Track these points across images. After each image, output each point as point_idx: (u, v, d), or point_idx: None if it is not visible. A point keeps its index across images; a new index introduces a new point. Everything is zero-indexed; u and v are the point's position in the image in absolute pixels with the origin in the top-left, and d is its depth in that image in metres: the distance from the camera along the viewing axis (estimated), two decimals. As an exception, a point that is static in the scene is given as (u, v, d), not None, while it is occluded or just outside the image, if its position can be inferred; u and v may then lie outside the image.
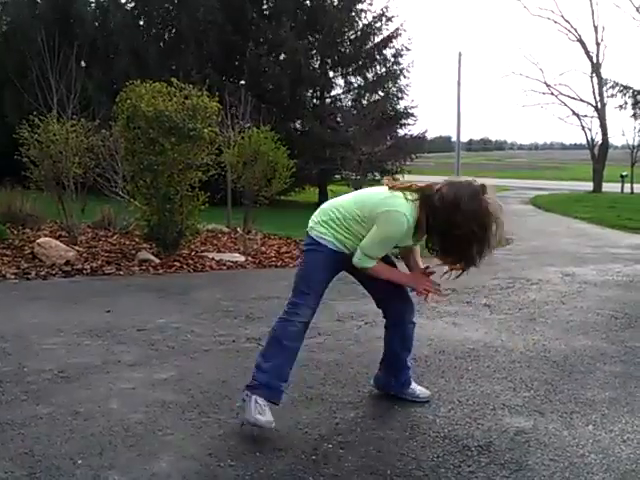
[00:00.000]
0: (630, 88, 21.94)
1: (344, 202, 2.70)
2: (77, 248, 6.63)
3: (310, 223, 2.75)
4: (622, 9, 36.79)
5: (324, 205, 2.80)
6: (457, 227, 2.40)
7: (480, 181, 2.53)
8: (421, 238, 2.62)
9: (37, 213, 8.03)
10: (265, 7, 18.30)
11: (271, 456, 2.35)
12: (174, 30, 18.55)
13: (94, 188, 7.95)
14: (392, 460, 2.34)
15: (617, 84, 22.83)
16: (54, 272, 5.79)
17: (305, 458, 2.34)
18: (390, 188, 2.57)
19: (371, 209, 2.56)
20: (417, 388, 2.96)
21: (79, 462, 2.26)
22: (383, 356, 2.96)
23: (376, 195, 2.62)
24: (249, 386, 2.58)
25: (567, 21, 27.62)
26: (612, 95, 23.43)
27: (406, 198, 2.50)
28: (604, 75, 23.55)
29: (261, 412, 2.50)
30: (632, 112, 22.75)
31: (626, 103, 23.57)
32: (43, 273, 5.73)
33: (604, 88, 24.58)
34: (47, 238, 6.58)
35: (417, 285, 2.69)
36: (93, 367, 3.26)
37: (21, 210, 7.92)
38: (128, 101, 6.35)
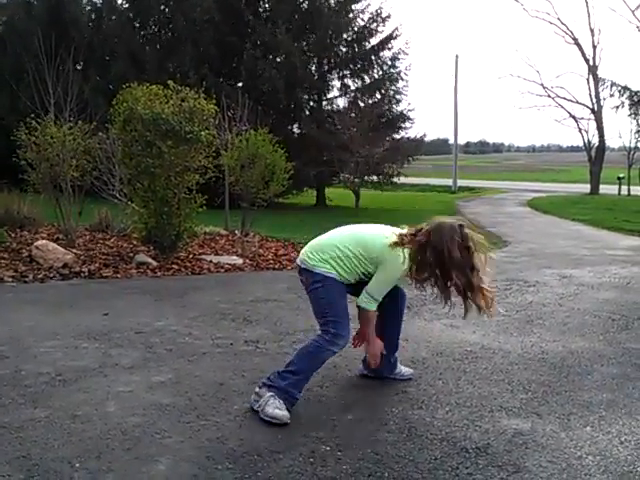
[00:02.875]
0: (628, 89, 21.99)
1: (343, 240, 2.92)
2: (75, 251, 6.62)
3: (309, 261, 2.91)
4: (618, 12, 36.85)
5: (320, 242, 2.98)
6: (444, 262, 2.74)
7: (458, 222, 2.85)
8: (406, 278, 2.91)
9: (34, 216, 8.02)
10: (261, 9, 18.32)
11: (269, 459, 2.34)
12: (170, 32, 18.56)
13: (91, 191, 7.95)
14: (390, 462, 2.34)
15: (614, 84, 22.88)
16: (51, 275, 5.78)
17: (303, 460, 2.34)
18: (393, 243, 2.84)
19: (377, 255, 2.85)
20: (402, 368, 3.28)
21: (77, 465, 2.26)
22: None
23: (378, 239, 2.89)
24: (267, 385, 2.78)
25: (564, 23, 27.84)
26: (611, 95, 23.47)
27: (403, 243, 2.82)
28: (601, 76, 23.59)
29: (279, 407, 2.69)
30: (629, 112, 22.79)
31: (623, 104, 23.61)
32: (40, 276, 5.72)
33: (601, 88, 24.64)
34: (44, 241, 6.57)
35: (373, 350, 3.05)
36: (90, 370, 3.26)
37: (18, 213, 7.91)
38: (124, 104, 6.35)
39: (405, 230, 2.91)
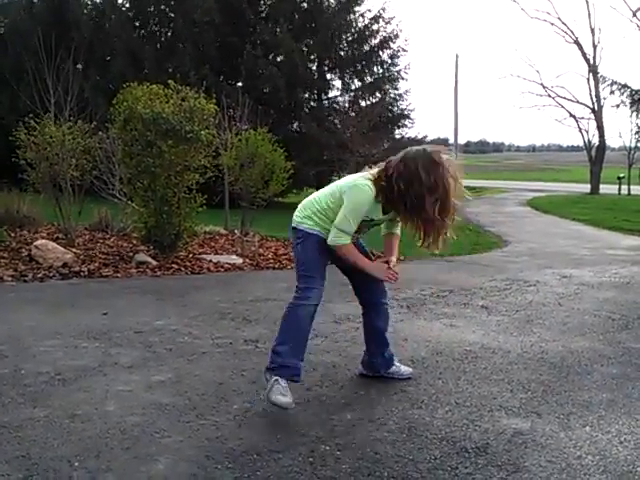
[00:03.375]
0: (628, 87, 21.98)
1: (320, 195, 3.00)
2: (74, 250, 6.62)
3: (296, 219, 3.01)
4: (618, 11, 36.81)
5: (304, 202, 3.06)
6: (413, 186, 2.67)
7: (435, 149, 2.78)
8: (391, 210, 2.89)
9: (34, 215, 8.02)
10: (262, 9, 18.32)
11: (268, 458, 2.34)
12: (171, 31, 18.56)
13: (91, 190, 7.95)
14: (389, 462, 2.33)
15: (615, 82, 22.86)
16: (51, 274, 5.78)
17: (302, 460, 2.34)
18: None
19: (340, 192, 2.87)
20: (401, 367, 3.27)
21: (76, 465, 2.26)
22: (366, 341, 3.23)
23: (342, 181, 2.97)
24: (269, 368, 2.84)
25: (564, 23, 27.83)
26: (611, 92, 23.44)
27: (366, 177, 2.82)
28: (602, 74, 23.57)
29: (283, 393, 2.72)
30: (630, 111, 22.77)
31: (623, 102, 23.59)
32: (40, 275, 5.72)
33: (602, 86, 24.62)
34: (44, 240, 6.57)
35: (380, 274, 2.96)
36: (90, 369, 3.26)
37: (18, 212, 7.91)
38: (125, 103, 6.35)
39: (373, 170, 2.85)
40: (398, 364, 3.27)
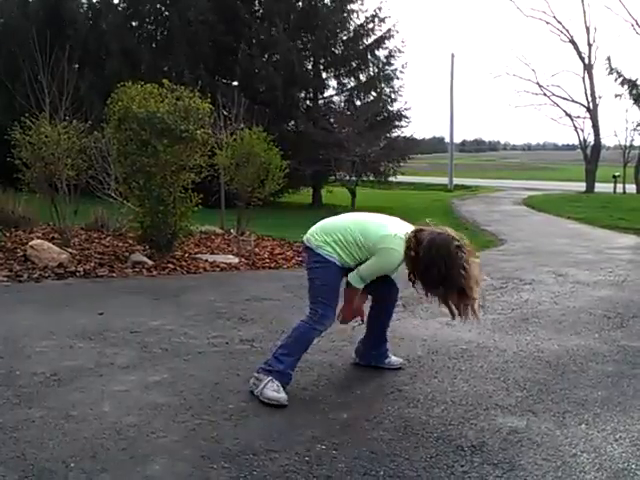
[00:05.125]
0: (632, 81, 22.03)
1: (347, 226, 3.02)
2: (70, 250, 6.60)
3: (313, 241, 3.04)
4: (613, 11, 36.88)
5: (326, 224, 3.11)
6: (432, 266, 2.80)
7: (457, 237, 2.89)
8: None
9: (29, 215, 7.99)
10: (257, 8, 18.30)
11: (264, 457, 2.34)
12: (166, 31, 18.52)
13: (87, 190, 7.92)
14: (385, 461, 2.34)
15: (620, 74, 22.88)
16: (47, 274, 5.76)
17: (298, 459, 2.34)
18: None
19: (374, 242, 2.93)
20: (392, 358, 3.40)
21: (72, 465, 2.26)
22: (367, 332, 3.36)
23: (379, 228, 2.98)
24: (265, 370, 2.94)
25: (559, 22, 27.72)
26: (616, 80, 23.40)
27: (403, 238, 2.90)
28: (602, 70, 23.61)
29: (277, 390, 2.86)
30: (633, 103, 22.77)
31: (623, 94, 23.63)
32: (35, 275, 5.70)
33: (600, 83, 24.70)
34: (40, 240, 6.55)
35: (344, 313, 3.16)
36: (86, 370, 3.25)
37: (13, 212, 7.88)
38: (119, 103, 6.33)
39: (410, 231, 2.94)
40: (390, 355, 3.40)
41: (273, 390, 2.86)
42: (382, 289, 3.24)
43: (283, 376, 2.92)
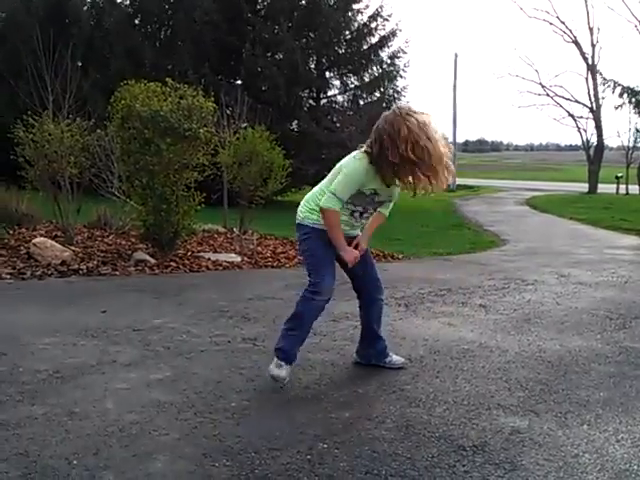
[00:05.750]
0: (631, 89, 21.98)
1: (322, 185, 3.09)
2: (73, 248, 6.61)
3: (300, 214, 3.11)
4: (616, 12, 36.81)
5: (307, 196, 3.17)
6: (383, 140, 2.85)
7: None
8: (389, 179, 2.98)
9: (33, 213, 8.00)
10: (261, 7, 18.30)
11: (266, 456, 2.35)
12: (170, 30, 18.53)
13: (90, 188, 7.93)
14: (387, 460, 2.34)
15: (617, 84, 22.83)
16: (50, 272, 5.78)
17: (300, 458, 2.34)
18: None
19: (339, 171, 3.00)
20: (394, 357, 3.39)
21: (74, 462, 2.26)
22: (361, 332, 3.39)
23: (342, 161, 3.08)
24: (276, 348, 3.07)
25: (562, 22, 27.67)
26: (613, 93, 23.32)
27: (361, 150, 2.99)
28: (604, 76, 23.50)
29: (278, 366, 3.01)
30: (633, 111, 22.70)
31: (624, 104, 23.55)
32: (39, 273, 5.72)
33: (602, 87, 24.59)
34: (43, 238, 6.56)
35: (346, 255, 3.06)
36: (88, 367, 3.26)
37: (17, 210, 7.89)
38: (123, 101, 6.34)
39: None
40: (391, 354, 3.39)
41: (275, 366, 3.02)
42: (363, 287, 3.29)
43: (287, 354, 3.03)
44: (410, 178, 2.94)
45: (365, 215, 3.14)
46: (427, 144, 2.82)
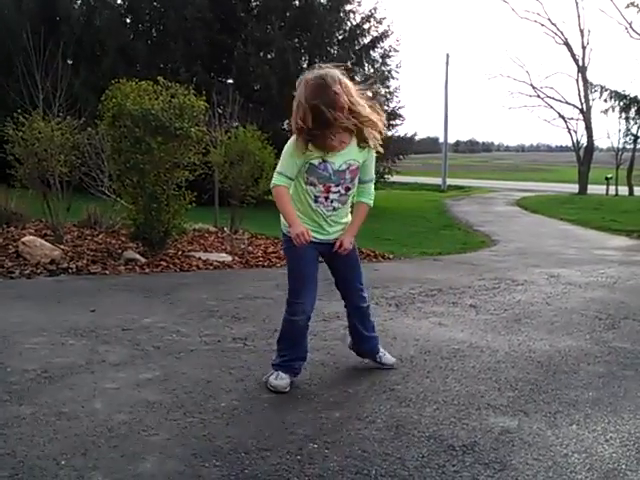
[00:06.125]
0: (617, 93, 22.13)
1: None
2: (62, 247, 6.57)
3: (282, 223, 3.05)
4: (607, 14, 37.07)
5: None
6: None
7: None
8: (324, 143, 2.85)
9: (22, 212, 7.94)
10: (253, 6, 18.27)
11: (256, 456, 2.34)
12: (162, 28, 18.46)
13: (80, 187, 7.89)
14: (377, 460, 2.34)
15: (604, 88, 23.00)
16: (39, 271, 5.74)
17: (290, 458, 2.33)
18: None
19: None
20: (385, 356, 3.34)
21: (62, 463, 2.25)
22: (349, 330, 3.36)
23: None
24: (272, 364, 3.06)
25: (553, 24, 27.90)
26: (601, 97, 23.48)
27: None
28: (591, 80, 23.64)
29: (275, 378, 2.97)
30: (619, 115, 22.87)
31: (613, 108, 23.72)
32: (27, 272, 5.68)
33: (590, 93, 24.72)
34: (32, 237, 6.51)
35: (292, 231, 2.88)
36: (77, 367, 3.24)
37: (5, 208, 7.83)
38: (114, 100, 6.31)
39: None
40: (383, 352, 3.36)
41: (272, 377, 2.99)
42: (343, 290, 3.21)
43: (286, 369, 3.01)
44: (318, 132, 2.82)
45: (331, 199, 2.94)
46: (300, 98, 2.83)
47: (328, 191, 2.94)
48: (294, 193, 2.98)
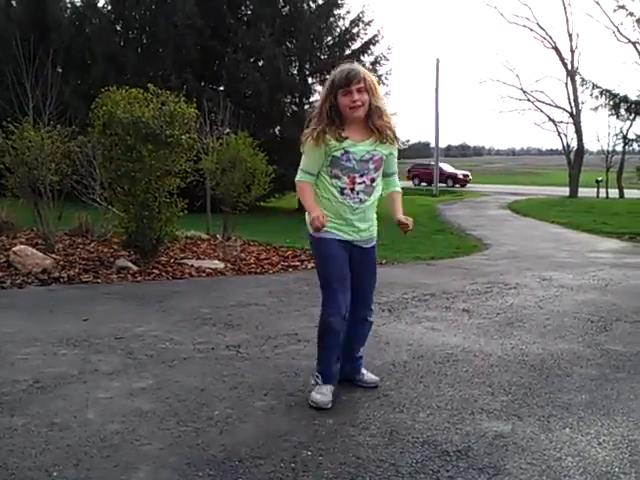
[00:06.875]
0: (609, 91, 22.28)
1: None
2: (54, 256, 6.54)
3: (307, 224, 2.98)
4: (594, 18, 37.36)
5: None
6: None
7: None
8: (334, 133, 2.91)
9: (13, 221, 7.92)
10: (243, 13, 18.31)
11: (250, 464, 2.33)
12: (152, 35, 18.46)
13: (71, 195, 7.87)
14: (371, 466, 2.34)
15: (596, 86, 23.13)
16: (30, 280, 5.71)
17: (284, 466, 2.33)
18: None
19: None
20: (366, 375, 3.21)
21: (54, 474, 2.23)
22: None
23: None
24: (313, 374, 3.02)
25: (542, 28, 28.08)
26: (591, 95, 23.59)
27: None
28: (584, 77, 23.77)
29: (319, 392, 2.90)
30: (610, 113, 22.98)
31: (603, 105, 23.84)
32: (19, 281, 5.64)
33: (582, 89, 24.84)
34: (23, 246, 6.48)
35: (311, 219, 2.87)
36: (69, 377, 3.22)
37: (-4, 218, 7.80)
38: (104, 107, 6.30)
39: None
40: (364, 372, 3.21)
41: (317, 392, 2.92)
42: (356, 299, 3.02)
43: (323, 377, 2.96)
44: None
45: (357, 190, 2.92)
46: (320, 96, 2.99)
47: (353, 182, 2.92)
48: (319, 190, 2.97)
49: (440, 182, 31.43)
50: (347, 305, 2.93)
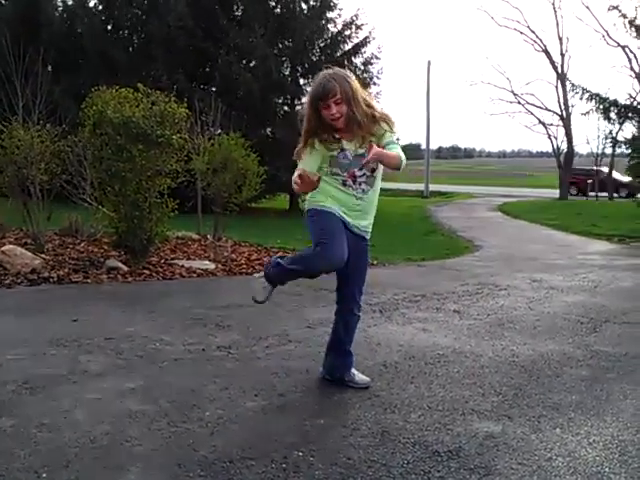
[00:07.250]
0: (598, 95, 22.42)
1: None
2: (43, 256, 6.50)
3: (308, 200, 3.07)
4: (584, 22, 37.57)
5: None
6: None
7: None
8: (325, 134, 2.97)
9: (1, 220, 7.85)
10: (236, 14, 18.29)
11: (241, 465, 2.32)
12: (143, 35, 18.41)
13: (61, 195, 7.81)
14: (362, 467, 2.33)
15: (586, 90, 23.27)
16: (19, 281, 5.66)
17: (275, 467, 2.32)
18: None
19: None
20: (357, 376, 3.22)
21: (44, 475, 2.21)
22: (329, 343, 3.26)
23: None
24: (265, 273, 3.14)
25: (533, 32, 28.16)
26: (581, 99, 23.72)
27: None
28: (573, 82, 23.90)
29: (261, 284, 3.14)
30: (599, 117, 23.11)
31: (593, 110, 23.97)
32: (8, 282, 5.60)
33: (571, 94, 24.97)
34: (12, 246, 6.42)
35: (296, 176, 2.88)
36: (59, 377, 3.19)
37: (-15, 218, 7.74)
38: (94, 107, 6.26)
39: None
40: (355, 372, 3.22)
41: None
42: (348, 296, 3.14)
43: (272, 281, 3.07)
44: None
45: (359, 181, 3.00)
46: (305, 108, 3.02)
47: (354, 175, 3.00)
48: (321, 183, 2.95)
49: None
50: (343, 256, 2.88)
